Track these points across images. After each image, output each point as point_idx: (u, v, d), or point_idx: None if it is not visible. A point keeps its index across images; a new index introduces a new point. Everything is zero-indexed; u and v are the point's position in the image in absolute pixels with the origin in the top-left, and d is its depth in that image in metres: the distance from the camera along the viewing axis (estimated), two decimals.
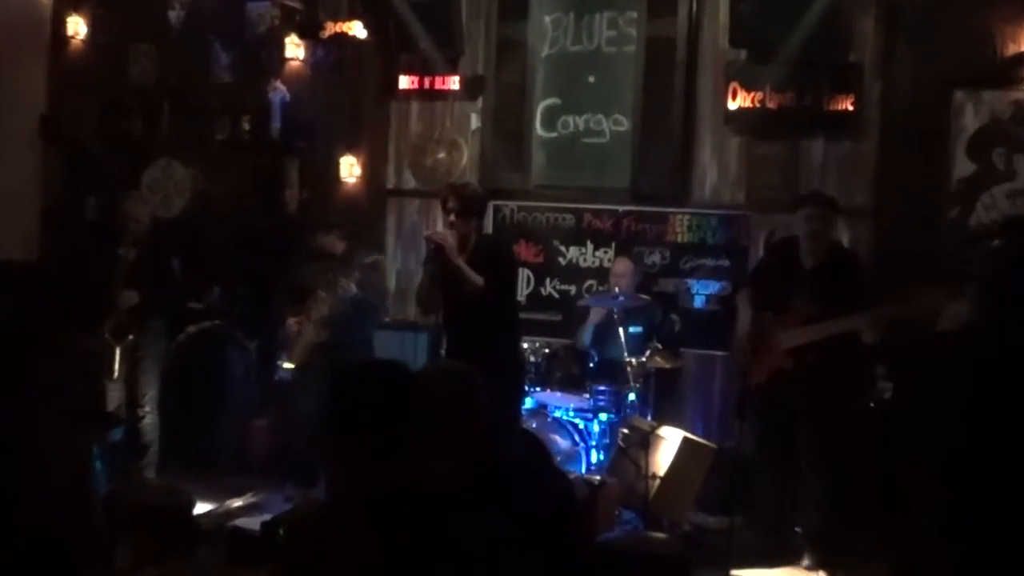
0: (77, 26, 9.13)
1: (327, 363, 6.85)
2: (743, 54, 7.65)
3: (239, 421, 7.90)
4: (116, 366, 6.84)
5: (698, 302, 7.85)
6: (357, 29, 8.38)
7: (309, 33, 8.54)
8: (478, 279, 5.68)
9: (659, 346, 7.11)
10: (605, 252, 8.11)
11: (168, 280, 7.01)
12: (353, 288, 7.04)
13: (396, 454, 2.59)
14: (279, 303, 7.42)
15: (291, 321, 7.22)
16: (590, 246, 8.18)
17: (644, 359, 6.99)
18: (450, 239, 5.73)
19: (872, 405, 6.42)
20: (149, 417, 7.01)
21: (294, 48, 8.57)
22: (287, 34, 8.58)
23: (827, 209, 6.11)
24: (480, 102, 8.44)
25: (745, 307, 6.24)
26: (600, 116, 8.20)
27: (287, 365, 7.30)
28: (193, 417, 7.60)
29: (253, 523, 4.91)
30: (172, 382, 7.28)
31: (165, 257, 7.05)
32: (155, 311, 6.98)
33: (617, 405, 6.99)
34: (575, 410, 7.01)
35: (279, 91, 8.47)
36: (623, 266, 7.48)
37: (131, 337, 6.84)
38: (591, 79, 8.23)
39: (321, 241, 7.38)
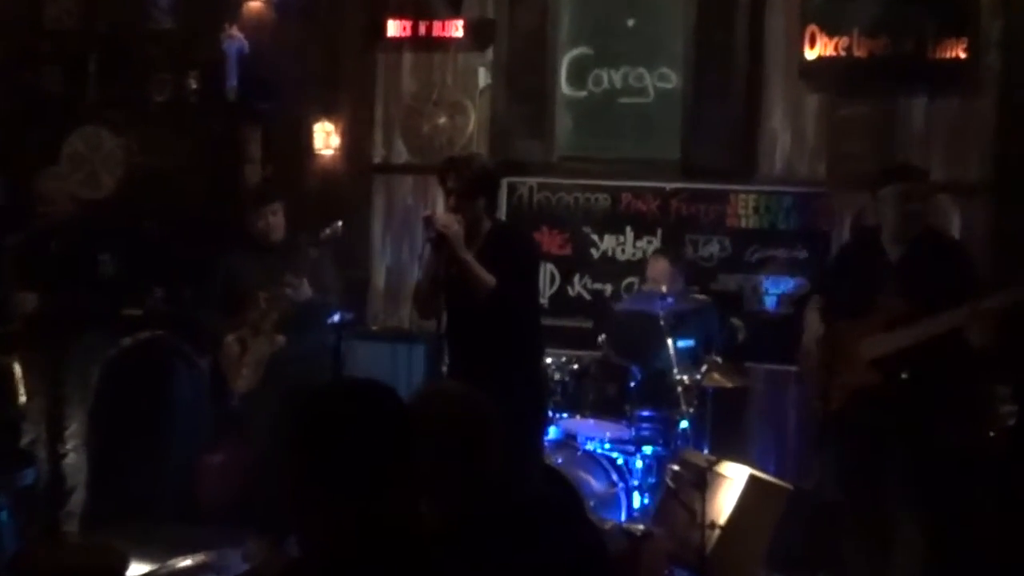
0: None
1: (287, 380, 6.79)
2: None
3: (187, 457, 7.88)
4: (21, 389, 6.80)
5: (768, 303, 7.82)
6: None
7: None
8: (490, 278, 5.66)
9: (718, 360, 7.07)
10: (649, 241, 8.08)
11: (94, 283, 6.94)
12: (307, 289, 6.88)
13: (381, 500, 2.55)
14: (210, 316, 7.21)
15: (230, 339, 7.01)
16: (630, 234, 8.16)
17: (699, 376, 6.96)
18: (455, 226, 5.70)
19: (992, 435, 6.37)
20: (72, 456, 6.95)
21: None
22: None
23: (924, 184, 6.06)
24: (490, 53, 8.43)
25: (814, 316, 6.17)
26: (642, 70, 8.19)
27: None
28: (129, 452, 7.57)
29: None
30: (103, 408, 7.25)
31: (91, 253, 6.99)
32: (77, 322, 6.89)
33: (665, 435, 6.99)
34: (612, 441, 6.99)
35: (235, 40, 8.44)
36: (660, 268, 7.43)
37: (20, 353, 6.74)
38: (630, 23, 8.21)
39: (254, 225, 7.04)
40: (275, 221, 7.04)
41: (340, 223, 6.94)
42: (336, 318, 7.11)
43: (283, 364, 6.90)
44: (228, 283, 7.10)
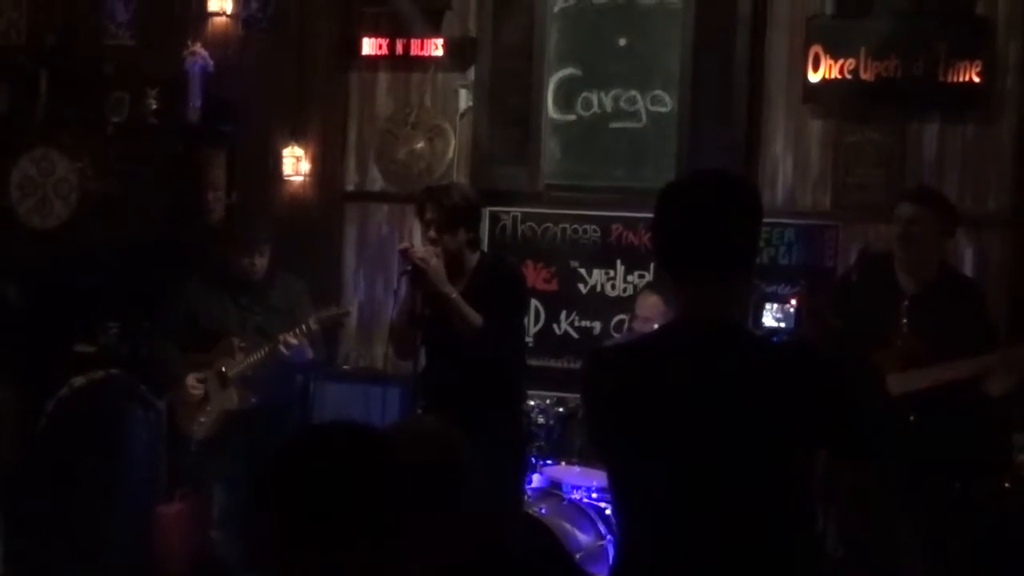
0: None
1: (252, 433, 6.79)
2: (829, 7, 7.66)
3: (141, 508, 7.82)
4: None
5: None
6: None
7: None
8: (475, 317, 5.66)
9: None
10: (641, 276, 8.06)
11: None
12: (308, 351, 6.88)
13: (362, 560, 2.51)
14: (167, 350, 7.24)
15: (192, 380, 7.05)
16: (620, 268, 8.16)
17: None
18: (434, 259, 5.70)
19: (1007, 486, 6.38)
20: None
21: None
22: None
23: (926, 208, 6.02)
24: (471, 73, 8.43)
25: None
26: (634, 92, 8.17)
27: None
28: (77, 502, 7.53)
29: None
30: (48, 454, 7.21)
31: None
32: None
33: None
34: (600, 490, 6.94)
35: (198, 57, 8.43)
36: (651, 304, 7.36)
37: None
38: (622, 42, 8.20)
39: (237, 262, 7.07)
40: (261, 262, 7.06)
41: (349, 312, 7.10)
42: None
43: (248, 417, 6.87)
44: (193, 316, 7.09)
